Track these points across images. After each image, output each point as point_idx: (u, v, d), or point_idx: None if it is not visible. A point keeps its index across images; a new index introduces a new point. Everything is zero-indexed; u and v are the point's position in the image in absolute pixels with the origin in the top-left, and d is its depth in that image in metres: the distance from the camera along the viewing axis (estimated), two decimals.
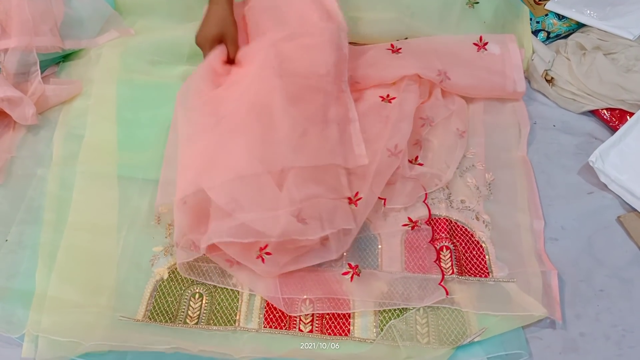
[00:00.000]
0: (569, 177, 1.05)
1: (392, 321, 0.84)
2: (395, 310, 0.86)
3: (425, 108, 1.07)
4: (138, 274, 0.89)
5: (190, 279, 0.89)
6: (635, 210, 0.99)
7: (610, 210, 1.00)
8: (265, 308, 0.87)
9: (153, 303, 0.87)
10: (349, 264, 0.89)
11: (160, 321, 0.85)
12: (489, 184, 1.01)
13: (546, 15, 1.25)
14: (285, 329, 0.85)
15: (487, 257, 0.93)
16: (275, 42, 0.95)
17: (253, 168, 0.85)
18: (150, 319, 0.85)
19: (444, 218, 0.96)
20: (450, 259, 0.91)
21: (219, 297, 0.88)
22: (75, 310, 0.84)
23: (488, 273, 0.90)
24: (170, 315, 0.86)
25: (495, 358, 0.83)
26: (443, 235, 0.94)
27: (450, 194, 1.00)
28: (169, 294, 0.88)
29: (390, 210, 0.96)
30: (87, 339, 0.80)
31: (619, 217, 0.99)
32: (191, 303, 0.87)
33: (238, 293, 0.88)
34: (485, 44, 1.13)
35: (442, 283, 0.87)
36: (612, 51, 1.15)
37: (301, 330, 0.85)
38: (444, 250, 0.92)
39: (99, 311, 0.84)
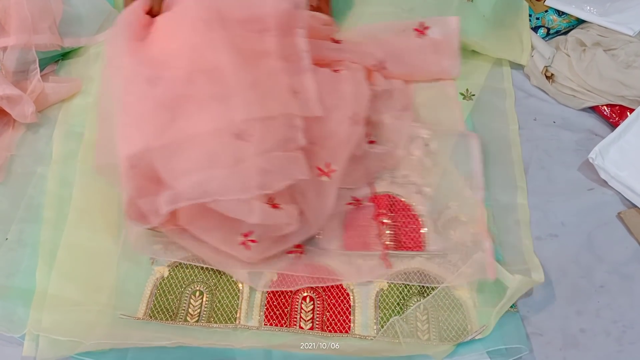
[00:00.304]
0: (569, 173, 1.05)
1: (392, 319, 0.84)
2: (395, 307, 0.87)
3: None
4: (138, 272, 0.89)
5: (190, 277, 0.89)
6: (636, 206, 0.99)
7: (611, 207, 1.00)
8: (266, 306, 0.87)
9: (153, 301, 0.87)
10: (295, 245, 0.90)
11: (161, 319, 0.85)
12: (434, 155, 1.01)
13: (546, 11, 1.24)
14: (286, 326, 0.85)
15: (423, 230, 0.94)
16: None
17: (206, 126, 0.82)
18: (150, 317, 0.85)
19: (385, 194, 0.97)
20: (388, 234, 0.93)
21: (220, 294, 0.88)
22: (76, 308, 0.84)
23: (422, 246, 0.92)
24: (171, 313, 0.86)
25: (495, 352, 0.83)
26: (383, 211, 0.95)
27: (394, 168, 1.00)
28: (169, 292, 0.88)
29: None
30: (88, 337, 0.80)
31: (619, 213, 0.99)
32: (192, 301, 0.87)
33: (239, 291, 0.88)
34: (426, 28, 1.12)
35: (385, 257, 0.89)
36: (612, 47, 1.14)
37: (302, 328, 0.85)
38: (383, 226, 0.93)
39: (99, 309, 0.84)
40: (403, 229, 0.94)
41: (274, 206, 0.84)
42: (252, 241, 0.85)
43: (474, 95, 1.14)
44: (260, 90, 0.86)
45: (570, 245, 0.95)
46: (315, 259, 0.90)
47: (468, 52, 1.20)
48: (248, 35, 0.90)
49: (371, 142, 1.02)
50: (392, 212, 0.95)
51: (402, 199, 0.98)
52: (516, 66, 1.21)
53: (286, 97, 0.88)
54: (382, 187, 0.98)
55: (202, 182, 0.81)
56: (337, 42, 1.09)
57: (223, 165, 0.82)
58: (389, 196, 0.97)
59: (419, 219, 0.95)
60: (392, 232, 0.94)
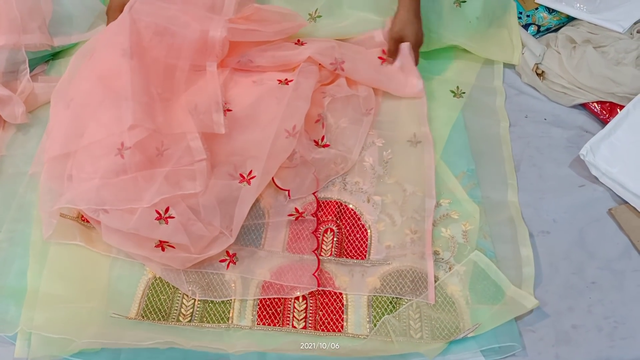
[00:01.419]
0: (560, 170, 1.05)
1: (385, 317, 0.84)
2: (387, 305, 0.87)
3: (326, 89, 1.07)
4: (131, 271, 0.89)
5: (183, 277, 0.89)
6: (626, 202, 1.00)
7: (602, 203, 1.00)
8: (259, 305, 0.87)
9: (146, 301, 0.87)
10: (227, 252, 0.90)
11: (153, 319, 0.85)
12: (386, 163, 1.02)
13: (536, 8, 1.25)
14: (279, 325, 0.85)
15: (369, 240, 0.93)
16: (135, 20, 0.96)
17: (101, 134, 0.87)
18: (143, 317, 0.85)
19: (334, 201, 0.97)
20: (331, 241, 0.92)
21: (212, 294, 0.88)
22: (68, 306, 0.84)
23: (365, 255, 0.92)
24: (163, 314, 0.86)
25: (488, 350, 0.83)
26: (330, 218, 0.95)
27: (346, 175, 1.00)
28: (161, 292, 0.88)
29: (280, 194, 0.96)
30: (80, 336, 0.80)
31: (610, 209, 1.00)
32: (184, 301, 0.87)
33: (231, 290, 0.88)
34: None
35: (316, 273, 0.88)
36: (602, 44, 1.15)
37: (295, 327, 0.85)
38: (328, 233, 0.93)
39: (91, 308, 0.84)
40: (348, 237, 0.94)
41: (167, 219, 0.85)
42: (171, 246, 0.86)
43: (464, 93, 1.15)
44: (156, 104, 0.92)
45: (562, 242, 0.96)
46: (251, 265, 0.90)
47: (459, 50, 1.20)
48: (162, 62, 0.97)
49: (325, 145, 1.02)
50: (339, 220, 0.95)
51: (351, 207, 0.97)
52: (507, 64, 1.21)
53: (182, 115, 0.94)
54: (332, 194, 0.98)
55: (96, 189, 0.84)
56: (302, 44, 1.10)
57: (113, 175, 0.85)
58: (338, 203, 0.97)
59: (366, 228, 0.95)
60: (337, 240, 0.93)
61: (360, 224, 0.95)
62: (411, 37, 1.07)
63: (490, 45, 1.20)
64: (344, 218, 0.96)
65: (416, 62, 1.09)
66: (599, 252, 0.95)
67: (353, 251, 0.93)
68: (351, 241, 0.94)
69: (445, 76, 1.18)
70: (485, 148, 1.07)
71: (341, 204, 0.97)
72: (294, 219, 0.94)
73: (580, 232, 0.97)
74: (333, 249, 0.92)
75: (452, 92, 1.15)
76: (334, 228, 0.94)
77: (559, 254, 0.94)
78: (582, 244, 0.96)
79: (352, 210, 0.97)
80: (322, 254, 0.91)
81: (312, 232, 0.93)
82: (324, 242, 0.92)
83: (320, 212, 0.96)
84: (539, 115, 1.14)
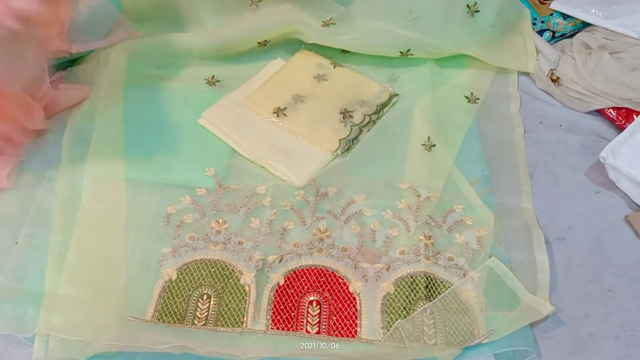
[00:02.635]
0: (575, 176, 1.05)
1: (398, 322, 0.84)
2: (401, 311, 0.87)
3: None
4: (147, 274, 0.90)
5: (198, 281, 0.90)
6: None
7: (618, 210, 1.00)
8: (273, 310, 0.87)
9: (162, 304, 0.87)
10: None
11: (169, 322, 0.85)
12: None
13: (551, 14, 1.25)
14: (293, 330, 0.85)
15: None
16: None
17: None
18: (158, 320, 0.85)
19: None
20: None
21: (227, 298, 0.88)
22: (85, 309, 0.85)
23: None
24: (179, 316, 0.86)
25: (503, 356, 0.83)
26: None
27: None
28: (177, 295, 0.88)
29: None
30: (97, 338, 0.80)
31: (626, 216, 0.99)
32: (199, 304, 0.88)
33: (246, 294, 0.88)
34: None
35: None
36: (618, 50, 1.14)
37: (308, 332, 0.85)
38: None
39: (108, 311, 0.85)
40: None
41: None
42: None
43: (478, 99, 1.15)
44: None
45: (578, 249, 0.95)
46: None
47: (469, 59, 1.20)
48: None
49: None
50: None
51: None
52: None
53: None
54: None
55: None
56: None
57: None
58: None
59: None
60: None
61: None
62: None
63: (505, 54, 1.19)
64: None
65: None
66: (616, 259, 0.94)
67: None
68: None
69: (459, 82, 1.17)
70: (500, 154, 1.06)
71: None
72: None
73: (596, 239, 0.96)
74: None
75: (467, 97, 1.15)
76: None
77: (574, 261, 0.93)
78: (598, 251, 0.95)
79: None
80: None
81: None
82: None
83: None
84: (554, 121, 1.13)
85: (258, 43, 1.20)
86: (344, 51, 1.22)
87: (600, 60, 1.12)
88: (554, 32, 1.24)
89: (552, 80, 1.17)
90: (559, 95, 1.16)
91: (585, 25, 1.22)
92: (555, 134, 1.11)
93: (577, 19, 1.22)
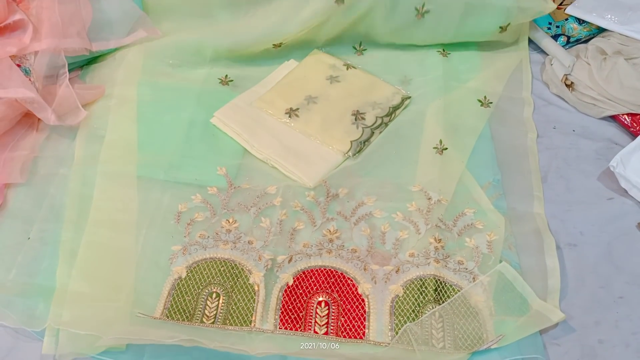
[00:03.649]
0: (588, 182, 1.04)
1: (407, 325, 0.84)
2: (410, 314, 0.86)
3: None
4: (157, 272, 0.90)
5: (207, 279, 0.90)
6: None
7: (631, 217, 0.99)
8: (281, 309, 0.87)
9: (171, 301, 0.88)
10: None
11: (178, 319, 0.86)
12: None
13: (566, 19, 1.24)
14: (301, 330, 0.85)
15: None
16: None
17: None
18: (167, 317, 0.86)
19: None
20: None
21: (236, 297, 0.89)
22: (95, 304, 0.85)
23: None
24: (188, 314, 0.87)
25: None
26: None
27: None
28: (186, 293, 0.89)
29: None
30: (107, 333, 0.81)
31: (639, 223, 0.98)
32: (208, 302, 0.88)
33: (254, 293, 0.89)
34: None
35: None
36: (633, 56, 1.14)
37: (316, 332, 0.85)
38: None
39: (118, 307, 0.85)
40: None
41: None
42: None
43: (491, 102, 1.14)
44: None
45: (589, 255, 0.94)
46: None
47: (487, 59, 1.19)
48: None
49: None
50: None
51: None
52: (536, 75, 1.20)
53: None
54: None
55: None
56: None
57: None
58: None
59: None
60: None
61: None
62: None
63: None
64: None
65: None
66: (627, 266, 0.93)
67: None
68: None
69: (473, 85, 1.17)
70: (512, 159, 1.06)
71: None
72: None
73: (608, 245, 0.96)
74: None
75: (480, 101, 1.14)
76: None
77: (585, 268, 0.93)
78: (609, 257, 0.94)
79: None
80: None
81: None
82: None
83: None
84: (567, 126, 1.13)
85: (273, 45, 1.20)
86: (357, 52, 1.22)
87: (615, 66, 1.11)
88: (568, 37, 1.23)
89: (567, 85, 1.16)
90: (573, 101, 1.16)
91: (601, 30, 1.21)
92: (569, 139, 1.11)
93: (592, 24, 1.21)
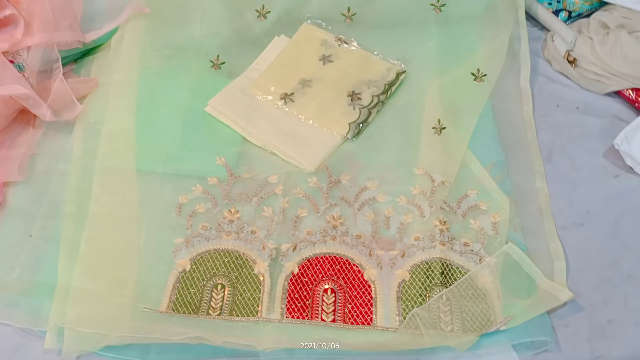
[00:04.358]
0: (593, 160, 1.03)
1: (414, 310, 0.83)
2: (417, 298, 0.86)
3: None
4: (160, 265, 0.90)
5: (212, 271, 0.90)
6: None
7: (638, 194, 0.98)
8: (287, 298, 0.87)
9: (176, 294, 0.87)
10: None
11: (184, 312, 0.85)
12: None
13: None
14: (308, 318, 0.85)
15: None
16: None
17: None
18: (173, 311, 0.85)
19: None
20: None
21: (241, 287, 0.88)
22: (101, 301, 0.85)
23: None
24: (194, 307, 0.86)
25: (520, 345, 0.82)
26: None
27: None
28: (191, 285, 0.88)
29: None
30: (113, 330, 0.80)
31: None
32: (213, 294, 0.88)
33: (260, 283, 0.88)
34: None
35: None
36: (637, 29, 1.12)
37: (323, 320, 0.85)
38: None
39: (123, 303, 0.85)
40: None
41: None
42: None
43: (485, 75, 1.12)
44: None
45: (596, 234, 0.93)
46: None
47: (478, 34, 1.17)
48: None
49: None
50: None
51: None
52: (537, 52, 1.18)
53: None
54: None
55: None
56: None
57: None
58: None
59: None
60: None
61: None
62: None
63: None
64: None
65: None
66: (635, 244, 0.92)
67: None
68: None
69: (470, 62, 1.14)
70: (512, 135, 1.05)
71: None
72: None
73: (615, 223, 0.95)
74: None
75: (473, 74, 1.12)
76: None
77: (593, 247, 0.92)
78: (617, 236, 0.93)
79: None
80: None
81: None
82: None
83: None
84: (570, 103, 1.11)
85: (257, 11, 1.18)
86: (347, 19, 1.19)
87: (618, 40, 1.10)
88: (570, 12, 1.21)
89: (569, 61, 1.15)
90: (576, 77, 1.14)
91: (603, 3, 1.19)
92: (572, 116, 1.09)
93: None
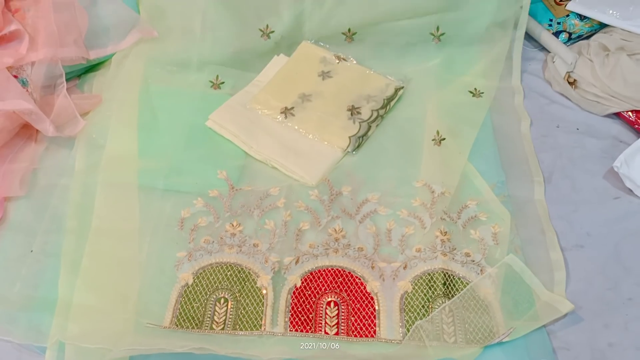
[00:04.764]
0: (594, 181, 1.03)
1: (418, 322, 0.83)
2: (420, 309, 0.86)
3: None
4: (163, 279, 0.89)
5: (215, 285, 0.89)
6: None
7: (638, 216, 0.98)
8: (291, 312, 0.86)
9: (179, 309, 0.87)
10: None
11: (187, 327, 0.85)
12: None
13: (567, 15, 1.23)
14: (311, 331, 0.84)
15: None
16: None
17: None
18: (177, 326, 0.85)
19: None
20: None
21: (244, 301, 0.88)
22: (104, 317, 0.84)
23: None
24: (197, 321, 0.86)
25: None
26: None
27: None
28: (194, 300, 0.88)
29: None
30: (117, 345, 0.80)
31: None
32: (217, 308, 0.87)
33: (263, 297, 0.88)
34: None
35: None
36: (637, 51, 1.13)
37: (327, 333, 0.84)
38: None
39: (126, 318, 0.84)
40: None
41: None
42: None
43: (482, 92, 1.14)
44: None
45: (597, 256, 0.93)
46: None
47: (481, 51, 1.18)
48: None
49: None
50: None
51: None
52: (538, 73, 1.19)
53: None
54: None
55: None
56: None
57: None
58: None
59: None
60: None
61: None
62: None
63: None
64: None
65: None
66: (636, 267, 0.92)
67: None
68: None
69: (467, 78, 1.17)
70: (511, 149, 1.06)
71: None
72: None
73: (615, 246, 0.95)
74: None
75: (471, 92, 1.15)
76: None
77: (593, 269, 0.92)
78: (617, 258, 0.93)
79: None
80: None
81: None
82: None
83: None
84: (571, 125, 1.12)
85: (260, 30, 1.18)
86: (347, 39, 1.20)
87: (618, 62, 1.11)
88: (570, 34, 1.22)
89: (569, 83, 1.15)
90: (576, 99, 1.15)
91: (603, 26, 1.20)
92: (573, 138, 1.10)
93: (594, 20, 1.20)
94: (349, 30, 1.20)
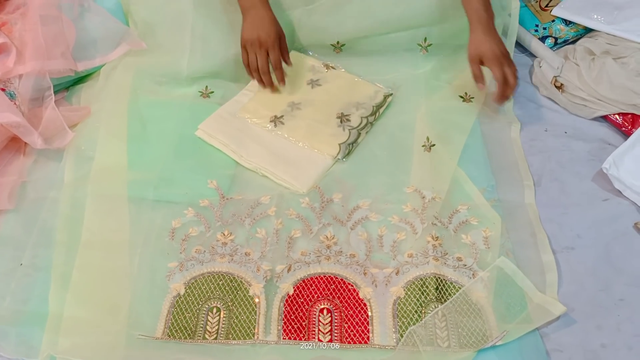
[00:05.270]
0: (583, 184, 1.04)
1: (411, 327, 0.83)
2: (413, 315, 0.86)
3: None
4: (154, 290, 0.89)
5: (207, 294, 0.89)
6: None
7: (627, 217, 0.98)
8: (284, 319, 0.86)
9: (171, 319, 0.86)
10: None
11: (180, 337, 0.84)
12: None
13: (553, 21, 1.24)
14: (305, 339, 0.84)
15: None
16: None
17: None
18: (169, 336, 0.84)
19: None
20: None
21: (237, 310, 0.87)
22: (95, 330, 0.84)
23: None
24: (189, 331, 0.85)
25: None
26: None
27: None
28: (186, 310, 0.87)
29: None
30: (108, 358, 0.79)
31: (636, 223, 0.98)
32: (209, 318, 0.87)
33: (255, 305, 0.87)
34: None
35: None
36: (622, 55, 1.14)
37: (320, 340, 0.84)
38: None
39: (117, 330, 0.83)
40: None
41: None
42: None
43: (473, 97, 1.15)
44: None
45: (587, 258, 0.94)
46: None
47: (465, 62, 1.19)
48: None
49: None
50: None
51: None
52: (525, 77, 1.21)
53: None
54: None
55: None
56: None
57: None
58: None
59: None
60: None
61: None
62: (489, 54, 1.05)
63: None
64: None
65: (514, 76, 1.06)
66: (627, 267, 0.93)
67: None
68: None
69: (457, 84, 1.17)
70: (500, 154, 1.07)
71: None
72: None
73: (605, 247, 0.95)
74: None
75: (461, 97, 1.15)
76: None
77: (584, 271, 0.92)
78: (608, 259, 0.94)
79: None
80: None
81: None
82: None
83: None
84: (559, 128, 1.13)
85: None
86: (336, 49, 1.21)
87: (604, 66, 1.12)
88: (556, 39, 1.23)
89: (556, 87, 1.16)
90: (564, 102, 1.16)
91: (588, 30, 1.22)
92: (561, 141, 1.11)
93: (579, 24, 1.21)
94: (338, 42, 1.21)
